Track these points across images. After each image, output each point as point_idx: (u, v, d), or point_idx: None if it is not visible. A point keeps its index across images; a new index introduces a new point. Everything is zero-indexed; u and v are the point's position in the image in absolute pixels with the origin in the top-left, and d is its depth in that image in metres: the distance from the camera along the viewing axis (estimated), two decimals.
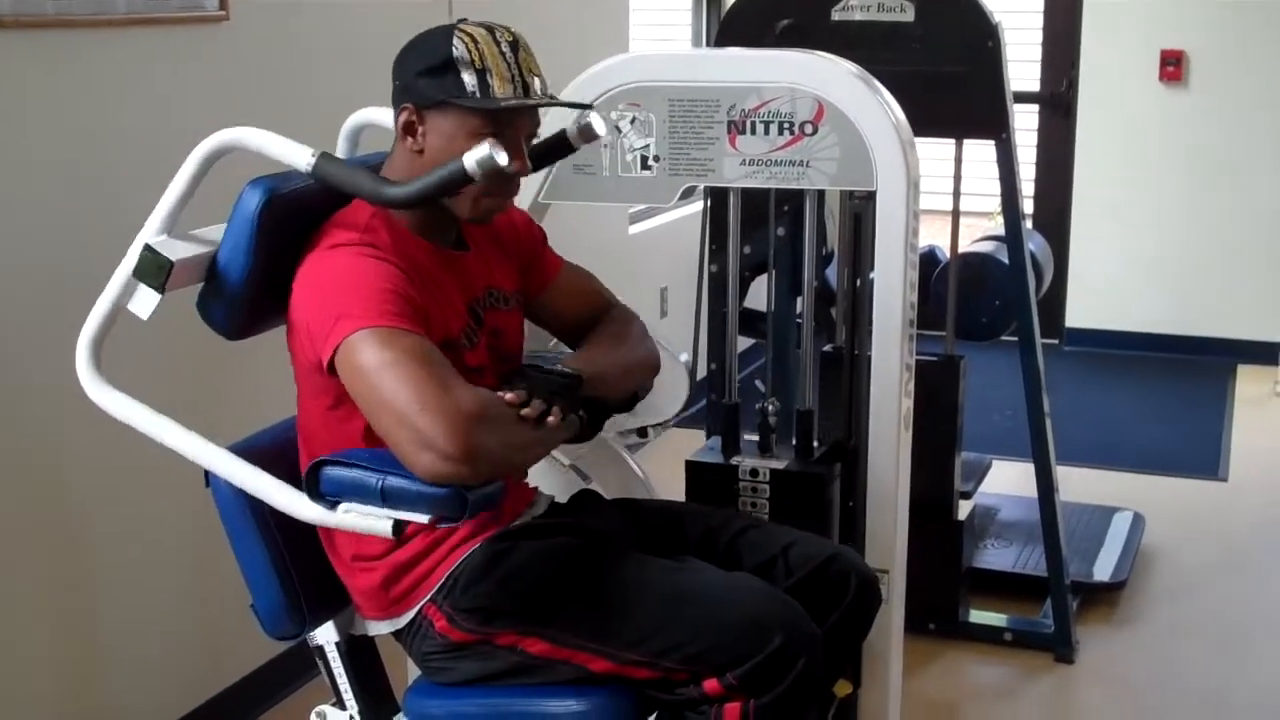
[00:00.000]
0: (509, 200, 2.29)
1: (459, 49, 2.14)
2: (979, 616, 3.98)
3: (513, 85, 2.15)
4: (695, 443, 3.83)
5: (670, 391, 2.69)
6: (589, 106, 2.39)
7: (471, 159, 2.04)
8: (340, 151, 2.57)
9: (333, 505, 2.05)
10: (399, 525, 2.01)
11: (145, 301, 2.15)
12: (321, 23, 3.56)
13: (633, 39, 5.39)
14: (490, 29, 2.18)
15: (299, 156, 2.14)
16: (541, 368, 2.22)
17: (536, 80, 2.19)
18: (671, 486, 2.99)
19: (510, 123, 2.16)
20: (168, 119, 3.08)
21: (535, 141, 2.33)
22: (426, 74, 2.16)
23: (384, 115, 2.38)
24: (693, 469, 3.03)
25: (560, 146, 2.45)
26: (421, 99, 2.17)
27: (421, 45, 2.20)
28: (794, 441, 3.04)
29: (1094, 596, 4.14)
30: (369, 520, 2.03)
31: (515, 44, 2.18)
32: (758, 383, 3.13)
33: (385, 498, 2.00)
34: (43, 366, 2.80)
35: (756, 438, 3.07)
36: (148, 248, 2.14)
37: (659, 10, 6.19)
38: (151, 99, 3.06)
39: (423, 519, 2.00)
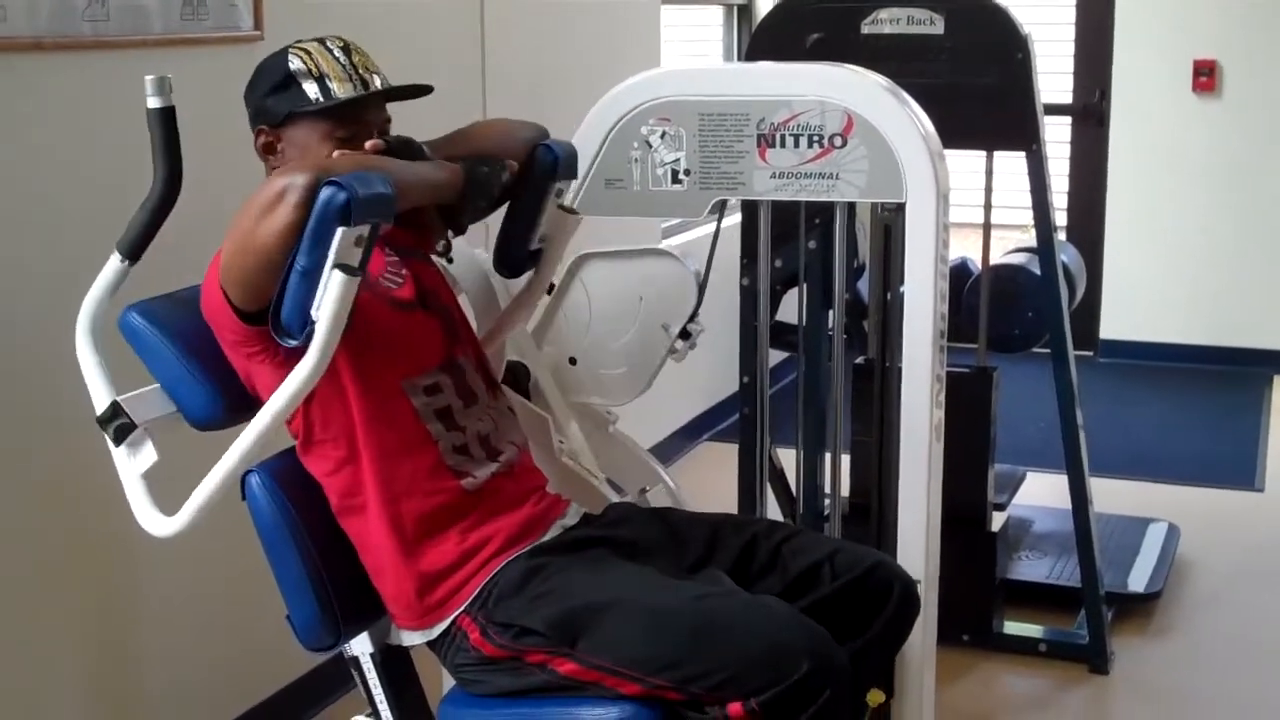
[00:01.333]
0: None
1: (295, 63, 2.30)
2: (1013, 628, 3.97)
3: (352, 84, 2.29)
4: (729, 456, 3.85)
5: (680, 293, 2.81)
6: (427, 89, 2.40)
7: (147, 91, 2.25)
8: None
9: (306, 326, 2.05)
10: (348, 267, 2.00)
11: (145, 453, 2.26)
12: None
13: (664, 55, 5.41)
14: (321, 40, 2.33)
15: (112, 263, 2.33)
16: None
17: (376, 77, 2.33)
18: (703, 499, 3.00)
19: (357, 119, 2.29)
20: (204, 139, 3.10)
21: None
22: (272, 93, 2.31)
23: None
24: None
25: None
26: (272, 117, 2.32)
27: (263, 69, 2.35)
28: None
29: (1129, 607, 4.13)
30: (331, 288, 2.01)
31: (347, 47, 2.33)
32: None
33: (310, 267, 2.01)
34: (75, 389, 2.83)
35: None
36: (97, 419, 2.27)
37: (691, 26, 6.22)
38: (188, 119, 3.07)
39: (340, 233, 1.99)
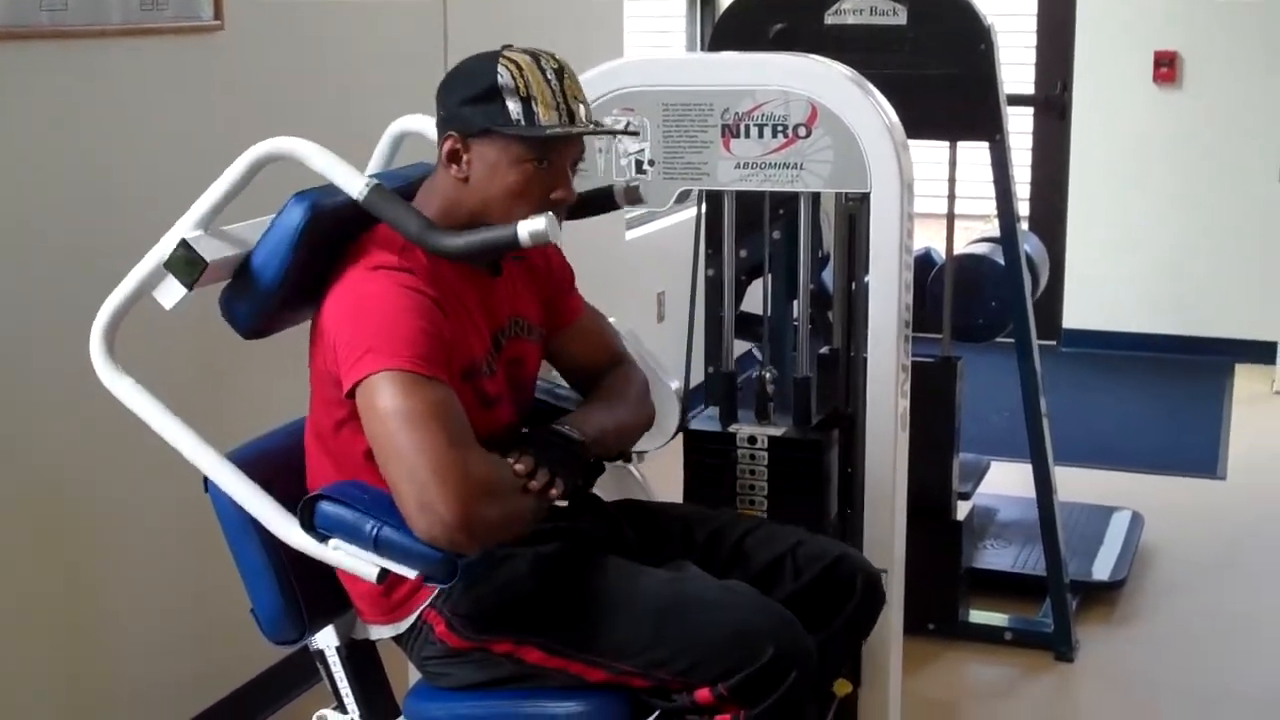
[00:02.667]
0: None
1: (504, 76, 2.15)
2: (979, 616, 3.99)
3: (558, 113, 2.15)
4: None
5: (660, 420, 2.69)
6: (635, 133, 2.38)
7: (525, 230, 2.06)
8: (379, 156, 2.57)
9: (324, 538, 2.08)
10: (384, 573, 2.03)
11: (171, 293, 2.16)
12: (316, 31, 3.57)
13: (628, 45, 5.40)
14: (535, 55, 2.18)
15: (353, 184, 2.15)
16: (551, 430, 2.23)
17: (582, 107, 2.19)
18: (669, 490, 3.00)
19: (556, 151, 2.17)
20: (164, 128, 3.09)
21: (582, 193, 2.34)
22: (471, 102, 2.17)
23: (425, 124, 2.37)
24: (691, 437, 3.01)
25: (603, 200, 2.48)
26: (466, 127, 2.17)
27: (466, 73, 2.20)
28: (791, 409, 3.03)
29: (1093, 595, 4.15)
30: (356, 562, 2.06)
31: (561, 71, 2.18)
32: (754, 349, 3.13)
33: (378, 546, 2.03)
34: (41, 371, 2.81)
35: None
36: (183, 243, 2.15)
37: (654, 17, 6.21)
38: (147, 108, 3.07)
39: (410, 574, 2.02)
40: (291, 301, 2.23)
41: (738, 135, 2.71)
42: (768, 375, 3.05)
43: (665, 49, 6.34)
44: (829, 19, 3.57)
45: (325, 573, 2.31)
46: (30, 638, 2.91)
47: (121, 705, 3.14)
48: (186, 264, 2.14)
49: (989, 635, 3.93)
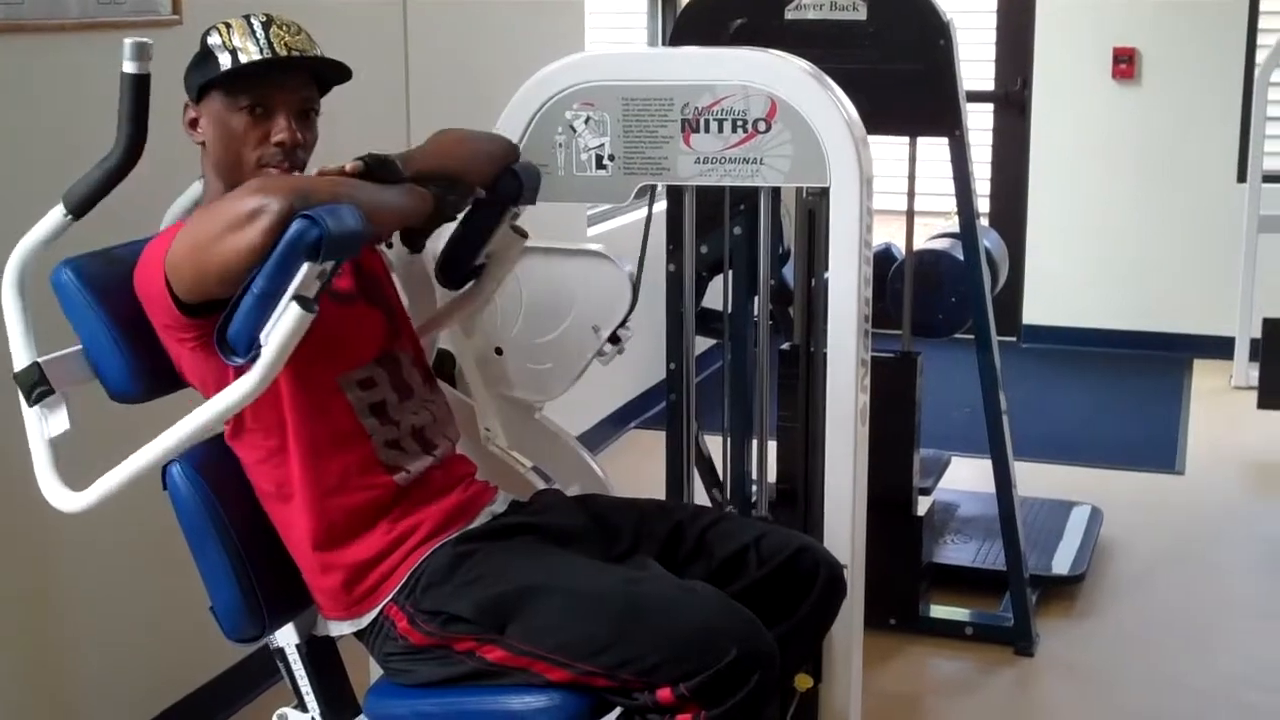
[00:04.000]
0: (292, 171, 2.28)
1: (213, 37, 2.27)
2: (939, 611, 4.00)
3: (261, 53, 2.23)
4: (657, 444, 3.85)
5: (614, 296, 2.77)
6: (344, 70, 2.36)
7: (125, 60, 2.16)
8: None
9: (252, 348, 2.02)
10: (305, 301, 1.98)
11: (58, 418, 2.22)
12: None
13: (588, 40, 5.39)
14: (247, 16, 2.28)
15: (55, 215, 2.27)
16: None
17: (297, 53, 2.25)
18: (631, 486, 2.99)
19: (268, 94, 2.24)
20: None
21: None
22: (192, 68, 2.29)
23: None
24: None
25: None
26: (191, 92, 2.29)
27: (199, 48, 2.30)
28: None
29: (1053, 590, 4.17)
30: (283, 321, 1.99)
31: (268, 22, 2.26)
32: (715, 491, 3.15)
33: (268, 294, 1.99)
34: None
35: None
36: (16, 375, 2.22)
37: (615, 13, 6.20)
38: (104, 102, 3.04)
39: (305, 268, 1.97)
40: (149, 347, 2.25)
41: (698, 130, 2.70)
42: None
43: (626, 44, 6.34)
44: (789, 14, 3.57)
45: (284, 570, 2.31)
46: None
47: (79, 706, 3.12)
48: (32, 383, 2.21)
49: (950, 630, 3.94)
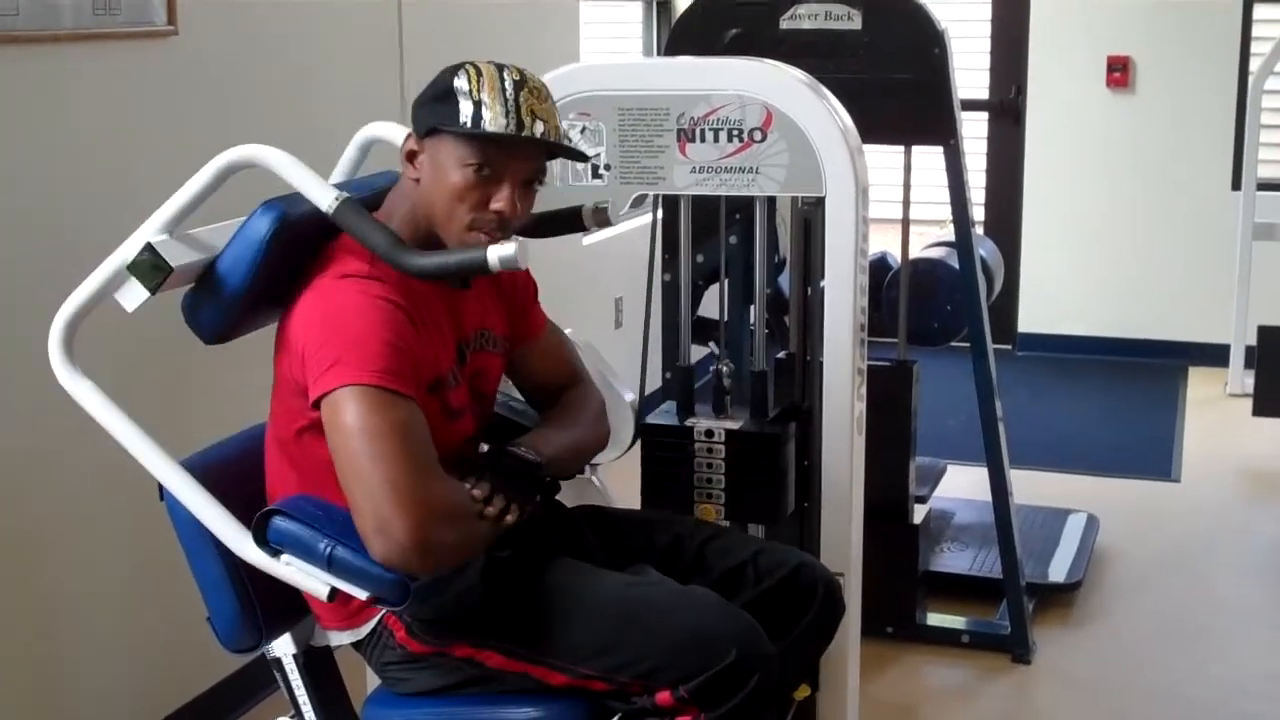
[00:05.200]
0: (499, 240, 2.19)
1: (460, 80, 2.15)
2: (936, 619, 4.00)
3: (507, 119, 2.12)
4: None
5: (616, 432, 2.69)
6: (586, 158, 2.37)
7: (495, 255, 2.05)
8: (347, 162, 2.56)
9: (276, 553, 2.07)
10: (334, 592, 2.03)
11: (134, 296, 2.15)
12: (269, 36, 3.56)
13: (584, 50, 5.40)
14: (500, 66, 2.18)
15: (323, 197, 2.14)
16: (509, 453, 2.23)
17: (540, 123, 2.16)
18: (629, 497, 2.99)
19: (500, 159, 2.15)
20: (116, 134, 3.07)
21: (550, 211, 2.39)
22: (428, 103, 2.18)
23: (393, 131, 2.37)
24: (648, 431, 2.99)
25: (570, 220, 2.49)
26: (419, 127, 2.19)
27: (435, 79, 2.20)
28: (748, 403, 3.03)
29: (1050, 598, 4.17)
30: (308, 580, 2.05)
31: (521, 82, 2.16)
32: (711, 345, 3.13)
33: (331, 565, 2.02)
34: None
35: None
36: (149, 247, 2.14)
37: (610, 23, 6.21)
38: (100, 114, 3.05)
39: (361, 595, 2.02)
40: (257, 307, 2.23)
41: (693, 140, 2.71)
42: (724, 369, 3.05)
43: (621, 54, 6.35)
44: (784, 24, 3.58)
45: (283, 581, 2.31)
46: None
47: (77, 716, 3.11)
48: (151, 269, 2.13)
49: (946, 638, 3.94)
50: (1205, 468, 5.43)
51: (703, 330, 3.50)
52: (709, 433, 2.93)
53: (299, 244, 2.20)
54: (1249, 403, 5.59)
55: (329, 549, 2.02)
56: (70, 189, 2.97)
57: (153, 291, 2.14)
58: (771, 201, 2.99)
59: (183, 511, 2.23)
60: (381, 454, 1.99)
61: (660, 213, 3.33)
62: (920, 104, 3.58)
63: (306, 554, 2.04)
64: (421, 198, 2.19)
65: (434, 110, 2.16)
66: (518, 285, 2.48)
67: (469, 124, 2.12)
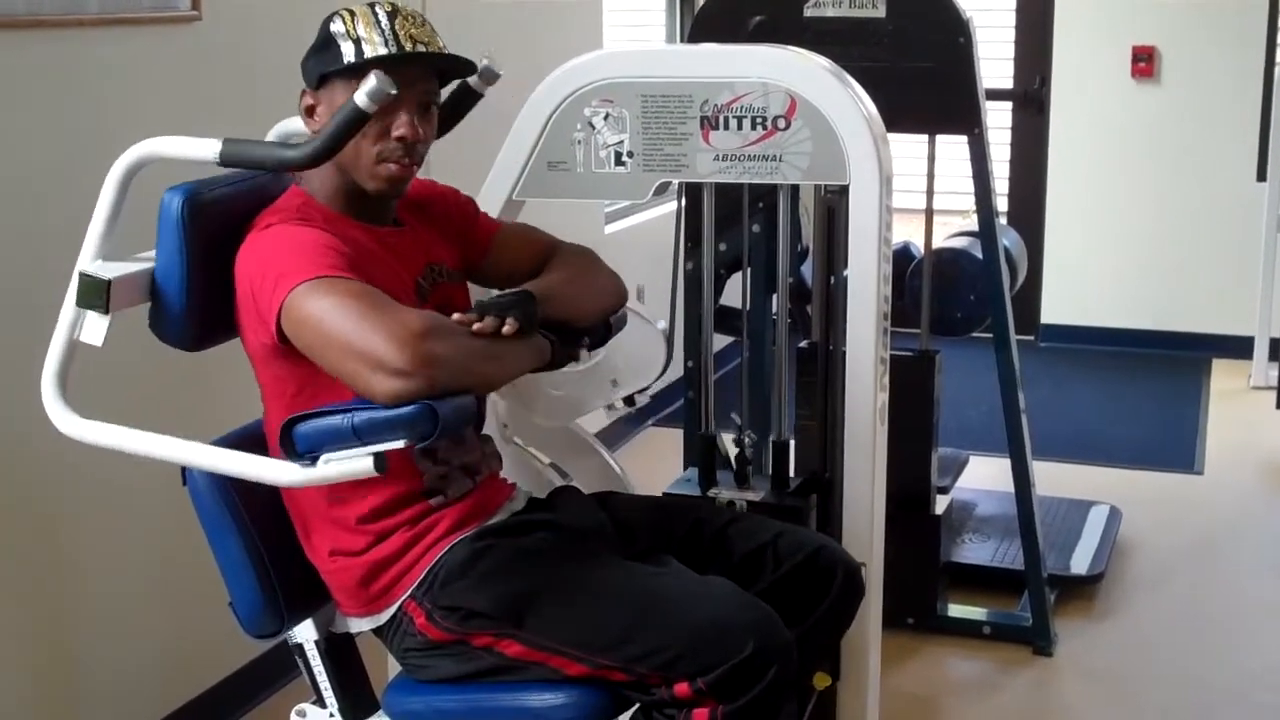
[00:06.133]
0: (412, 167, 2.28)
1: (336, 24, 2.23)
2: (957, 610, 3.99)
3: (388, 47, 2.19)
4: (674, 441, 3.85)
5: (648, 357, 2.74)
6: (475, 68, 2.37)
7: (362, 93, 2.04)
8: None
9: (313, 461, 2.04)
10: (380, 459, 1.99)
11: (95, 328, 2.18)
12: (293, 21, 3.53)
13: (607, 37, 5.39)
14: (372, 3, 2.24)
15: (207, 149, 2.15)
16: (494, 295, 2.26)
17: (421, 46, 2.22)
18: (649, 483, 2.99)
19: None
20: (141, 118, 3.07)
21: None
22: (312, 55, 2.26)
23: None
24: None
25: (465, 96, 2.48)
26: (309, 79, 2.26)
27: (317, 33, 2.27)
28: (770, 473, 3.03)
29: (1072, 589, 4.16)
30: (351, 464, 2.01)
31: (394, 12, 2.23)
32: (734, 416, 3.15)
33: (359, 434, 1.99)
34: (8, 373, 2.79)
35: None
36: (83, 274, 2.17)
37: (633, 10, 6.20)
38: (124, 98, 3.05)
39: (399, 444, 1.98)
40: (211, 301, 2.22)
41: (717, 127, 2.70)
42: (747, 440, 3.06)
43: (644, 42, 6.33)
44: (808, 11, 3.57)
45: (303, 566, 2.31)
46: (1, 634, 2.89)
47: (98, 700, 3.13)
48: (93, 290, 2.15)
49: (968, 629, 3.93)
50: (1228, 460, 5.41)
51: (725, 319, 3.50)
52: (730, 504, 2.93)
53: (224, 224, 2.22)
54: (1272, 395, 5.58)
55: (350, 420, 1.99)
56: (94, 173, 2.96)
57: (105, 311, 2.15)
58: (795, 190, 2.98)
59: (205, 497, 2.24)
60: (350, 315, 2.01)
61: (683, 201, 3.33)
62: (945, 93, 3.56)
63: (336, 439, 2.00)
64: None
65: (320, 59, 2.23)
66: (451, 212, 2.50)
67: (354, 60, 2.18)
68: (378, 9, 2.23)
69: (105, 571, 3.11)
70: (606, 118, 2.77)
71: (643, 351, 2.72)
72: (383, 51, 2.18)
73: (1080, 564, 4.21)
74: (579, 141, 2.79)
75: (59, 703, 3.05)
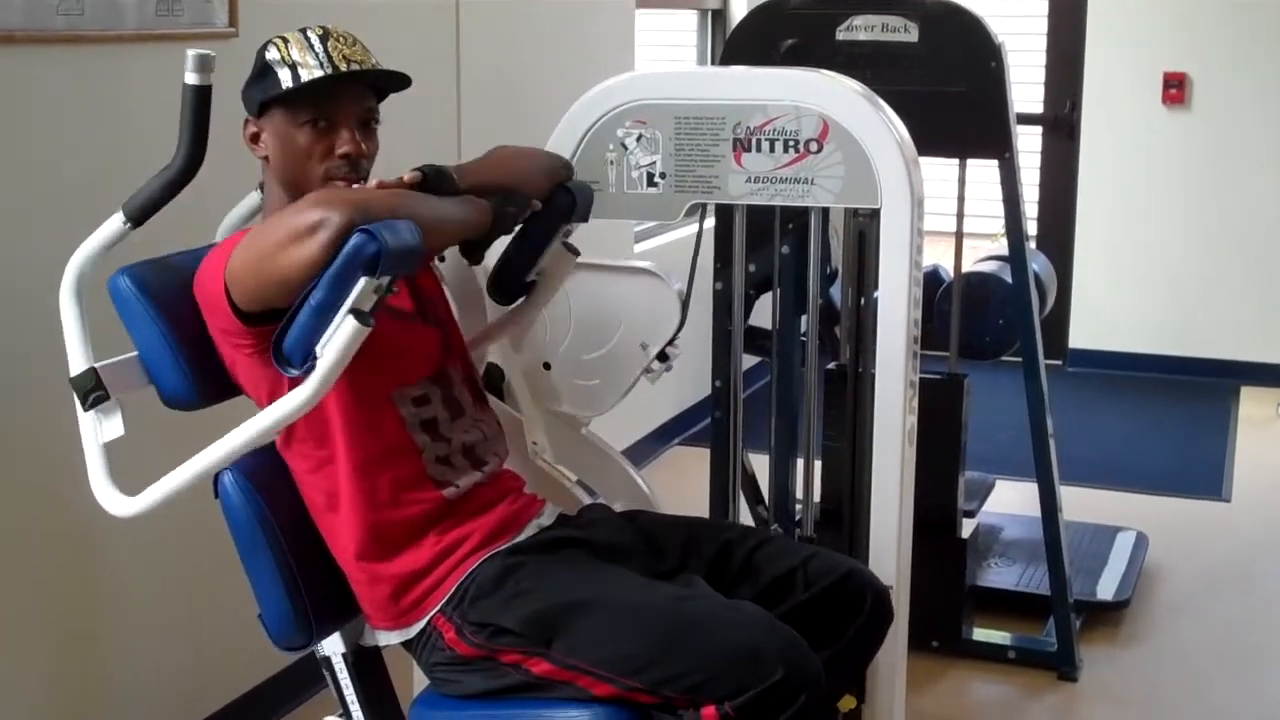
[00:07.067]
0: (358, 181, 2.31)
1: (271, 53, 2.28)
2: (982, 634, 3.98)
3: (323, 69, 2.24)
4: (700, 461, 3.85)
5: (662, 314, 2.79)
6: (403, 79, 2.39)
7: (188, 71, 2.15)
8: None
9: (308, 360, 2.06)
10: (361, 315, 2.01)
11: (113, 423, 2.24)
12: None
13: (638, 59, 5.41)
14: (303, 29, 2.30)
15: (114, 223, 2.29)
16: None
17: (355, 65, 2.27)
18: (675, 502, 2.99)
19: (331, 105, 2.27)
20: (177, 134, 3.10)
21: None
22: (252, 84, 2.31)
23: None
24: None
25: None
26: (250, 107, 2.32)
27: (256, 62, 2.32)
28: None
29: (1097, 615, 4.15)
30: (340, 333, 2.02)
31: (325, 35, 2.28)
32: (760, 509, 3.16)
33: (325, 306, 2.01)
34: (44, 379, 2.81)
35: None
36: (72, 380, 2.23)
37: (664, 31, 6.22)
38: (161, 114, 3.06)
39: (361, 280, 2.00)
40: (205, 351, 2.27)
41: (749, 149, 2.71)
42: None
43: (675, 64, 6.35)
44: (840, 35, 3.58)
45: (332, 579, 2.33)
46: (31, 643, 2.91)
47: (126, 711, 3.14)
48: (87, 386, 2.23)
49: (992, 653, 3.92)
50: (1256, 487, 5.39)
51: (754, 340, 3.51)
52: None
53: (176, 279, 2.28)
54: None
55: (309, 300, 2.02)
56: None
57: (106, 396, 2.22)
58: (825, 212, 2.98)
59: (237, 509, 2.25)
60: (265, 228, 2.11)
61: (713, 222, 3.34)
62: (976, 117, 3.57)
63: (313, 325, 2.03)
64: (278, 172, 2.30)
65: (259, 87, 2.29)
66: None
67: (291, 85, 2.23)
68: (309, 33, 2.29)
69: (133, 582, 3.12)
70: (639, 139, 2.78)
71: (660, 310, 2.78)
72: (319, 73, 2.24)
73: (1106, 589, 4.20)
74: (611, 162, 2.80)
75: (86, 712, 3.06)
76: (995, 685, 3.85)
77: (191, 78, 2.13)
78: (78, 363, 2.25)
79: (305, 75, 2.24)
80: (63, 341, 2.28)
